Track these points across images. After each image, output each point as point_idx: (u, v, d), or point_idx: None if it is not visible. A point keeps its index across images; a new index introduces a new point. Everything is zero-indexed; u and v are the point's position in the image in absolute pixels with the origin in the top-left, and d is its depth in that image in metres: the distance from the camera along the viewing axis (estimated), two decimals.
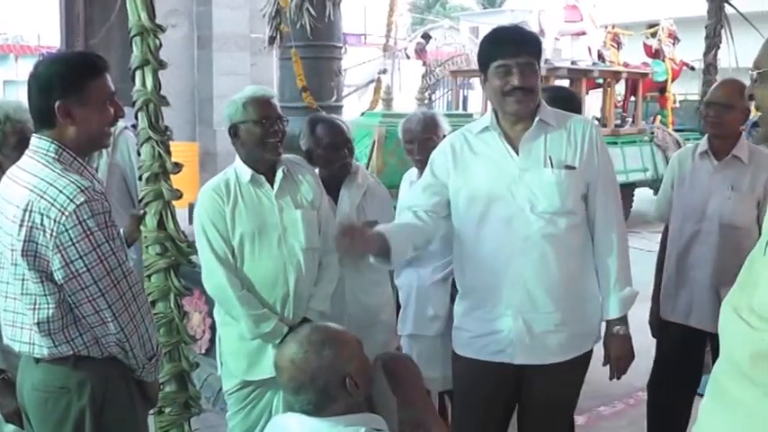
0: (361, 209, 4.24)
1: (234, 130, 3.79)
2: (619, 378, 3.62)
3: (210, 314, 5.51)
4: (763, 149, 4.36)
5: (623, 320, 3.50)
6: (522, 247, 3.31)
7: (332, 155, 4.22)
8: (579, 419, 5.65)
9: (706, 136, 4.44)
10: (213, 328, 5.58)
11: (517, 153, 3.35)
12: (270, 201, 3.80)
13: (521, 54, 3.26)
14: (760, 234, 3.96)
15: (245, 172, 3.81)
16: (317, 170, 4.19)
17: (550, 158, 3.32)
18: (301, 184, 3.91)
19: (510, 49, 3.28)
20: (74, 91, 2.84)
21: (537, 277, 3.33)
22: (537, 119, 3.34)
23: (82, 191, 2.73)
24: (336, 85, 6.08)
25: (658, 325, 4.66)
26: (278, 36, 5.96)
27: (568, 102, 4.37)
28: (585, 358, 3.57)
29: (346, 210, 4.17)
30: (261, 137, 3.74)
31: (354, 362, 2.60)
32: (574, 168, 3.33)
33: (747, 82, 2.42)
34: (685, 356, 4.52)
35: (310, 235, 3.85)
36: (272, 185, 3.83)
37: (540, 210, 3.30)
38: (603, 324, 3.57)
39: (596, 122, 3.63)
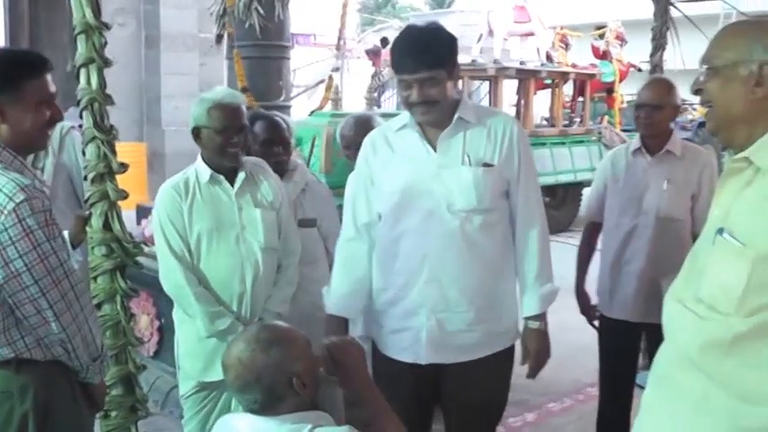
0: (300, 205, 4.25)
1: (196, 132, 3.77)
2: (533, 377, 3.60)
3: (159, 316, 5.48)
4: (695, 145, 4.55)
5: (542, 317, 3.52)
6: (438, 246, 3.31)
7: (267, 151, 4.22)
8: (529, 416, 5.72)
9: (638, 135, 4.53)
10: (161, 331, 5.54)
11: (435, 150, 3.33)
12: (229, 199, 3.81)
13: (419, 70, 3.18)
14: (694, 226, 4.10)
15: (205, 171, 3.81)
16: None
17: (468, 156, 3.30)
18: (262, 185, 3.91)
19: (407, 64, 3.22)
20: (7, 89, 2.78)
21: (452, 276, 3.33)
22: (456, 117, 3.32)
23: (21, 189, 2.67)
24: (285, 85, 6.06)
25: (587, 312, 4.78)
26: (226, 36, 5.93)
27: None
28: (505, 356, 3.56)
29: None
30: (221, 145, 3.74)
31: (302, 361, 2.57)
32: (492, 166, 3.32)
33: (693, 82, 2.47)
34: (625, 350, 4.59)
35: (269, 235, 3.85)
36: (232, 185, 3.82)
37: (458, 207, 3.29)
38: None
39: (517, 121, 3.59)
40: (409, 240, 3.36)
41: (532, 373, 3.60)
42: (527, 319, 3.50)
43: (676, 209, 4.33)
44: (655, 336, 2.63)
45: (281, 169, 4.25)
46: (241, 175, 3.83)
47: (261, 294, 3.84)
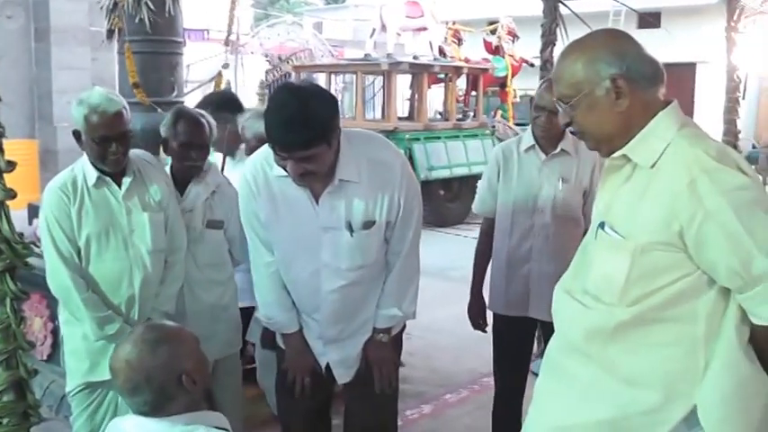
0: (209, 207, 4.18)
1: (77, 135, 3.70)
2: (383, 387, 3.58)
3: (52, 318, 5.36)
4: None
5: (387, 331, 3.56)
6: (330, 298, 3.41)
7: (184, 154, 4.10)
8: (426, 408, 5.77)
9: (530, 131, 4.44)
10: (55, 333, 5.41)
11: (318, 203, 3.28)
12: (117, 202, 3.75)
13: (295, 150, 3.00)
14: (586, 222, 4.17)
15: (92, 173, 3.73)
16: (168, 163, 4.16)
17: (350, 225, 3.27)
18: (150, 185, 3.86)
19: (284, 143, 3.02)
20: None
21: (344, 317, 3.47)
22: (336, 180, 3.21)
23: None
24: (177, 81, 5.96)
25: (477, 319, 4.65)
26: (117, 30, 5.81)
27: (232, 103, 4.36)
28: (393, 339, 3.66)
29: (191, 207, 4.10)
30: (99, 153, 3.66)
31: (191, 359, 2.56)
32: (374, 222, 3.31)
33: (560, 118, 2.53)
34: (520, 345, 4.59)
35: (157, 238, 3.82)
36: (119, 186, 3.75)
37: (344, 268, 3.35)
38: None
39: (406, 160, 3.51)
40: (302, 289, 3.47)
41: (379, 384, 3.57)
42: (375, 330, 3.56)
43: (571, 207, 4.32)
44: (551, 331, 2.68)
45: (195, 172, 4.15)
46: (128, 178, 3.76)
47: (149, 297, 3.82)
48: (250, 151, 4.42)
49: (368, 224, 3.30)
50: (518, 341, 4.56)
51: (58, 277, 3.70)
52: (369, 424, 3.67)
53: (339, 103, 16.77)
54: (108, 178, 3.74)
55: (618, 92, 2.31)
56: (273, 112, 3.05)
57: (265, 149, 3.32)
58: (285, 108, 3.01)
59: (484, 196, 4.61)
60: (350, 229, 3.28)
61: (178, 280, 4.00)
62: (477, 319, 4.64)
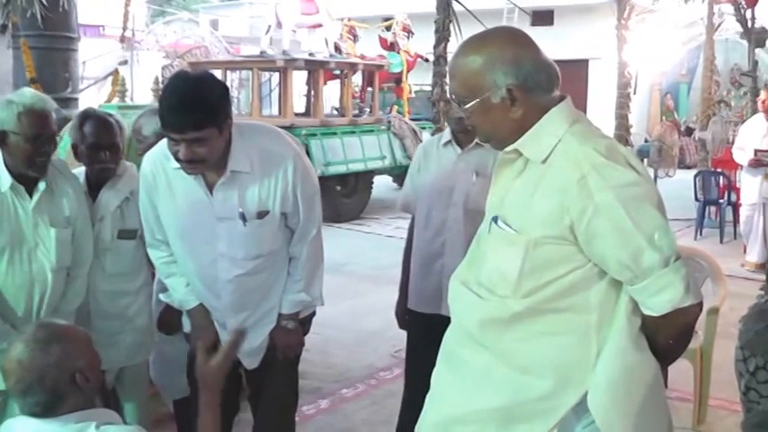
0: (121, 214, 4.01)
1: (2, 137, 3.52)
2: (283, 358, 3.67)
3: None
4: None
5: (293, 316, 3.62)
6: (227, 287, 3.44)
7: (93, 156, 3.95)
8: (323, 403, 5.74)
9: (449, 127, 4.41)
10: None
11: (212, 192, 3.35)
12: (26, 214, 3.60)
13: (186, 130, 3.05)
14: None
15: (6, 179, 3.57)
16: (81, 169, 4.02)
17: (243, 215, 3.34)
18: (61, 199, 3.71)
19: (175, 123, 3.07)
20: None
21: (245, 305, 3.50)
22: (228, 171, 3.28)
23: None
24: (71, 77, 5.90)
25: (404, 317, 4.61)
26: (9, 24, 5.73)
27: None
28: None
29: (102, 213, 3.96)
30: (29, 154, 3.52)
31: (84, 356, 2.53)
32: (268, 212, 3.39)
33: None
34: (434, 343, 4.50)
35: (62, 255, 3.67)
36: (31, 196, 3.62)
37: (240, 257, 3.40)
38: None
39: (299, 153, 3.52)
40: (201, 280, 3.48)
41: (282, 371, 3.69)
42: (280, 316, 3.60)
43: (484, 201, 4.17)
44: None
45: (106, 175, 4.00)
46: (40, 187, 3.61)
47: (49, 310, 3.68)
48: (148, 148, 4.34)
49: (261, 214, 3.35)
50: (431, 340, 4.45)
51: None
52: (272, 405, 3.71)
53: (236, 99, 16.56)
54: (21, 187, 3.59)
55: (513, 100, 2.33)
56: (166, 95, 3.15)
57: (163, 144, 3.35)
58: (177, 90, 3.13)
59: (406, 193, 4.64)
60: (243, 218, 3.32)
61: (79, 296, 3.84)
62: (401, 318, 4.63)
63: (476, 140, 4.20)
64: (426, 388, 4.42)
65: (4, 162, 3.59)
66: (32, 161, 3.53)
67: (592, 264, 2.30)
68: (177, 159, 3.18)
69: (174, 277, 3.59)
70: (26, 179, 3.61)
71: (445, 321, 4.28)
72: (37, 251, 3.62)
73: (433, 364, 4.40)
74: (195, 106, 3.06)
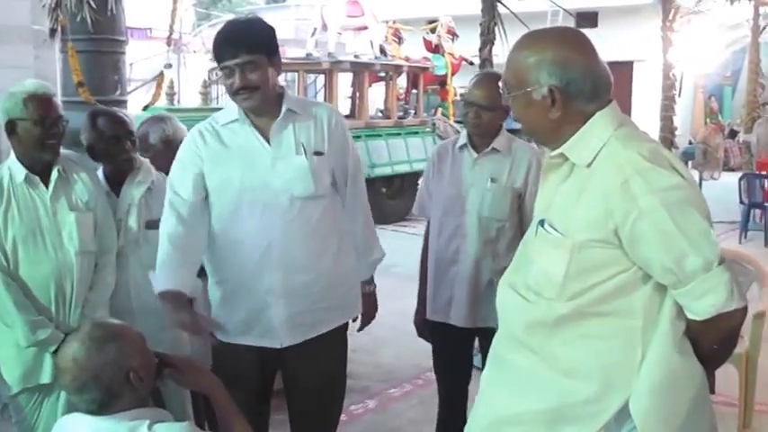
0: (145, 205, 4.07)
1: (11, 127, 3.63)
2: (361, 329, 3.90)
3: None
4: (526, 142, 4.34)
5: (371, 280, 3.83)
6: (280, 235, 3.39)
7: (114, 148, 4.03)
8: (370, 403, 5.79)
9: (465, 130, 4.30)
10: None
11: (269, 143, 3.41)
12: (44, 202, 3.68)
13: (239, 54, 3.26)
14: (522, 224, 4.08)
15: (20, 171, 3.68)
16: (100, 169, 4.08)
17: (303, 145, 3.42)
18: (76, 184, 3.81)
19: (227, 51, 3.29)
20: None
21: (297, 262, 3.43)
22: (284, 109, 3.41)
23: None
24: (120, 80, 5.96)
25: (423, 326, 4.48)
26: (59, 29, 5.80)
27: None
28: (341, 332, 3.70)
29: (126, 207, 4.03)
30: (40, 137, 3.61)
31: (138, 356, 2.58)
32: (322, 154, 3.46)
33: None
34: (451, 353, 4.42)
35: (85, 238, 3.74)
36: (47, 186, 3.71)
37: (296, 195, 3.39)
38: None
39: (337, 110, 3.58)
40: (251, 233, 3.41)
41: (364, 326, 3.91)
42: (362, 283, 3.76)
43: (499, 209, 4.11)
44: (485, 338, 2.73)
45: (129, 166, 4.08)
46: (54, 174, 3.71)
47: (79, 300, 3.74)
48: (155, 156, 4.36)
49: (318, 152, 3.45)
50: (450, 349, 4.44)
51: None
52: (317, 402, 3.67)
53: None
54: (35, 177, 3.69)
55: (553, 101, 2.37)
56: (220, 31, 3.40)
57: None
58: (229, 25, 3.42)
59: (422, 197, 4.54)
60: (303, 152, 3.41)
61: (109, 285, 3.91)
62: (420, 328, 4.52)
63: (492, 145, 4.15)
64: (455, 396, 4.41)
65: (16, 154, 3.70)
66: (43, 143, 3.63)
67: (636, 267, 2.30)
68: (233, 94, 3.35)
69: (165, 255, 3.48)
70: (40, 169, 3.70)
71: (455, 331, 4.28)
72: (61, 238, 3.69)
73: (456, 374, 4.42)
74: (246, 33, 3.35)
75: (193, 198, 3.47)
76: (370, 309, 3.84)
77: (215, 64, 3.53)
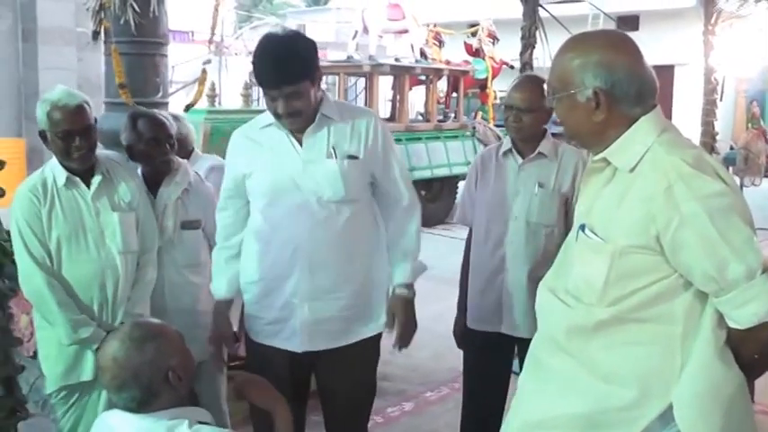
0: (181, 206, 4.15)
1: (43, 135, 3.69)
2: (405, 346, 3.67)
3: None
4: (572, 146, 4.15)
5: (410, 287, 3.63)
6: (308, 237, 3.40)
7: (153, 150, 4.09)
8: (407, 406, 5.80)
9: (509, 136, 4.24)
10: None
11: (301, 145, 3.42)
12: (86, 203, 3.74)
13: (281, 86, 3.26)
14: (568, 228, 4.07)
15: (61, 173, 3.73)
16: (138, 169, 4.12)
17: (334, 149, 3.41)
18: (119, 185, 3.85)
19: (271, 80, 3.28)
20: None
21: (324, 266, 3.43)
22: (319, 114, 3.40)
23: None
24: (162, 82, 6.00)
25: (462, 336, 4.45)
26: (102, 31, 5.85)
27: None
28: (373, 343, 3.69)
29: (163, 208, 4.09)
30: (65, 149, 3.65)
31: (177, 355, 2.61)
32: (357, 158, 3.44)
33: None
34: (492, 366, 4.36)
35: (128, 238, 3.80)
36: (89, 186, 3.76)
37: (326, 199, 3.39)
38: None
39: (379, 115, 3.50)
40: (280, 233, 3.44)
41: (403, 343, 3.64)
42: (397, 286, 3.61)
43: (547, 214, 4.06)
44: (524, 347, 2.71)
45: (167, 168, 4.16)
46: (97, 178, 3.76)
47: (122, 299, 3.79)
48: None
49: (351, 156, 3.43)
50: (490, 361, 4.34)
51: (31, 281, 3.67)
52: (346, 405, 3.69)
53: None
54: (77, 179, 3.72)
55: (597, 104, 2.37)
56: (262, 55, 3.32)
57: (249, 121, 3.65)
58: (270, 49, 3.32)
59: (464, 205, 4.47)
60: (333, 155, 3.40)
61: (150, 283, 3.97)
62: (460, 337, 4.47)
63: (538, 150, 4.08)
64: (485, 411, 4.34)
65: (57, 157, 3.74)
66: (70, 154, 3.66)
67: (677, 274, 2.30)
68: (276, 116, 3.36)
69: (219, 267, 3.70)
70: (81, 171, 3.75)
71: (506, 340, 4.22)
72: (104, 238, 3.74)
73: (493, 385, 4.35)
74: (289, 62, 3.26)
75: (233, 227, 3.64)
76: (404, 318, 3.61)
77: None
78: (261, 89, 3.40)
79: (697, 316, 2.32)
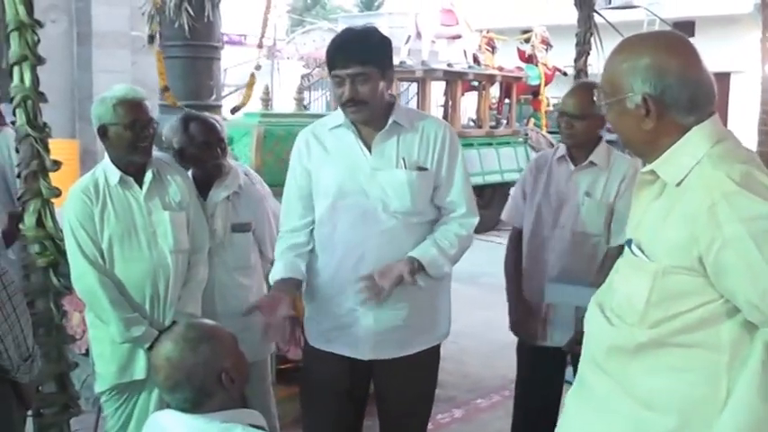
0: (232, 209, 4.17)
1: (103, 131, 3.72)
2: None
3: None
4: (625, 154, 4.03)
5: (415, 265, 3.32)
6: (373, 245, 3.36)
7: (205, 154, 4.12)
8: (457, 413, 5.80)
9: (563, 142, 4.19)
10: None
11: (370, 151, 3.38)
12: (138, 203, 3.78)
13: (350, 65, 3.22)
14: (609, 238, 3.95)
15: (114, 173, 3.77)
16: (189, 171, 4.14)
17: (403, 159, 3.36)
18: (170, 185, 3.89)
19: (339, 59, 3.26)
20: None
21: None
22: (390, 121, 3.37)
23: None
24: (215, 85, 6.06)
25: (525, 324, 4.29)
26: (158, 35, 5.91)
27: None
28: (434, 353, 3.65)
29: (212, 211, 4.11)
30: (131, 141, 3.68)
31: (230, 357, 2.61)
32: (426, 170, 3.39)
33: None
34: (544, 370, 4.30)
35: (179, 237, 3.83)
36: (140, 186, 3.79)
37: (393, 209, 3.35)
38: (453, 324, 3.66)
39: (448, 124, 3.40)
40: (346, 239, 3.41)
41: (365, 283, 3.32)
42: (407, 256, 3.36)
43: (593, 223, 4.02)
44: (576, 361, 2.64)
45: (218, 171, 4.17)
46: (148, 176, 3.80)
47: (173, 298, 3.82)
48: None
49: (420, 168, 3.38)
50: (540, 368, 4.31)
51: (84, 280, 3.71)
52: (405, 413, 3.65)
53: None
54: (130, 178, 3.77)
55: (647, 110, 2.24)
56: (335, 38, 3.41)
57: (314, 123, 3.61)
58: (344, 34, 3.42)
59: (512, 204, 4.46)
60: (403, 165, 3.36)
61: (201, 282, 3.99)
62: (525, 326, 4.27)
63: (590, 158, 4.04)
64: (535, 418, 4.30)
65: (110, 157, 3.78)
66: (135, 147, 3.70)
67: (724, 299, 2.15)
68: (342, 105, 3.33)
69: (282, 253, 3.55)
70: (133, 171, 3.78)
71: (553, 350, 4.12)
72: (156, 237, 3.77)
73: (543, 393, 4.28)
74: (360, 43, 3.29)
75: (300, 222, 3.57)
76: (384, 274, 3.30)
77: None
78: (326, 82, 3.38)
79: (745, 345, 2.15)
